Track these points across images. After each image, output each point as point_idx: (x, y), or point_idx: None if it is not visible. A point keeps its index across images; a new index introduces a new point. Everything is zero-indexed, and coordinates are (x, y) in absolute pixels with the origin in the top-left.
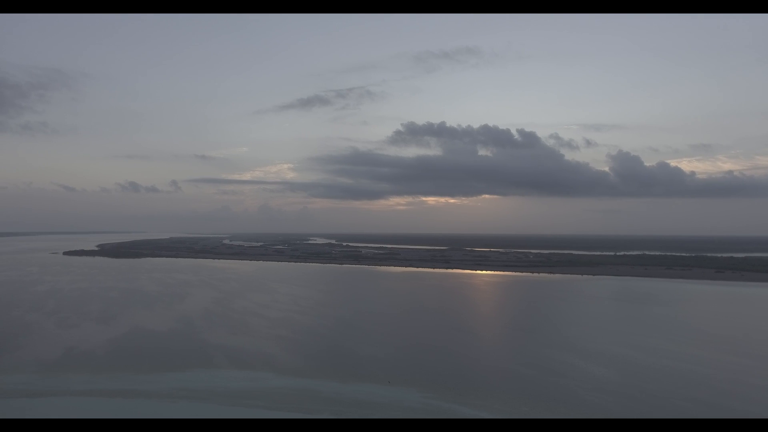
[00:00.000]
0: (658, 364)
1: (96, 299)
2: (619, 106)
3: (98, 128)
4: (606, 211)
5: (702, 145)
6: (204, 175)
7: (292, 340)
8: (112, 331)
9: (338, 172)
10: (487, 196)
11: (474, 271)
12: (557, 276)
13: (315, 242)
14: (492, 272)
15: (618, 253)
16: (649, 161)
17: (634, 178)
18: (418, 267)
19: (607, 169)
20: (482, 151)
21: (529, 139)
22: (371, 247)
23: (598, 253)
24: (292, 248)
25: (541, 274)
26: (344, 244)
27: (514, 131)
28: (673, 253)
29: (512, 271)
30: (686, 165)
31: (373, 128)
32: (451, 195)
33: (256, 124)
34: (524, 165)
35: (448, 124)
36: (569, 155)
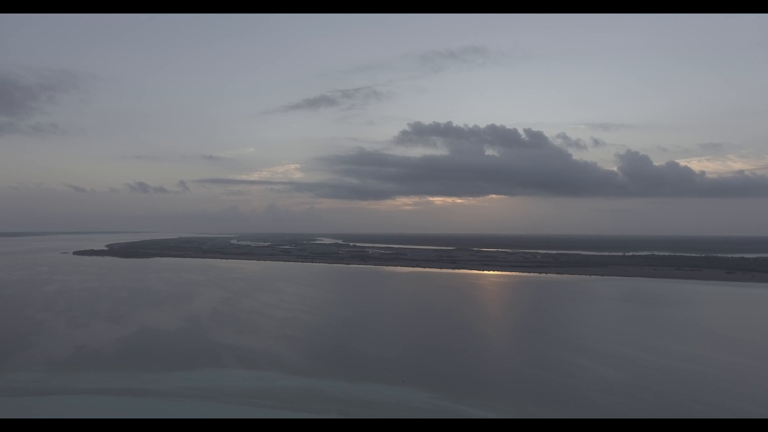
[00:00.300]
0: (667, 366)
1: (105, 298)
2: (627, 105)
3: (107, 129)
4: (614, 211)
5: (712, 145)
6: (211, 176)
7: (300, 339)
8: (121, 330)
9: (345, 172)
10: (494, 196)
11: (481, 272)
12: (565, 276)
13: (322, 242)
14: (499, 273)
15: (627, 254)
16: (658, 161)
17: (642, 178)
18: (425, 267)
19: (615, 168)
20: (489, 151)
21: (537, 138)
22: (378, 247)
23: (607, 253)
24: (299, 248)
25: (549, 275)
26: (351, 244)
27: (521, 131)
28: (683, 254)
29: (520, 272)
30: (696, 164)
31: (379, 128)
32: (458, 195)
33: (263, 125)
34: (531, 165)
35: (454, 124)
36: (577, 155)
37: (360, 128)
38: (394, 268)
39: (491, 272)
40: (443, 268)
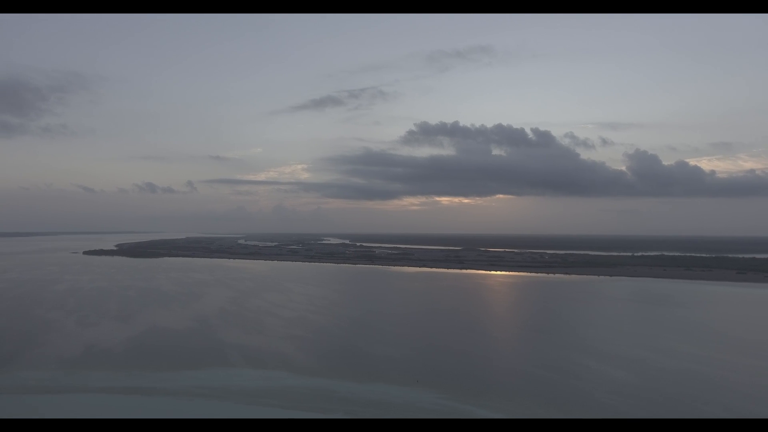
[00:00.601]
0: (677, 367)
1: (115, 298)
2: (636, 104)
3: (115, 130)
4: (623, 211)
5: (722, 144)
6: (219, 176)
7: (307, 339)
8: (130, 329)
9: (351, 172)
10: (501, 196)
11: (488, 272)
12: (573, 277)
13: (329, 242)
14: (506, 273)
15: (636, 254)
16: (667, 160)
17: (651, 178)
18: (431, 267)
19: (624, 168)
20: (496, 151)
21: (544, 138)
22: (385, 247)
23: (615, 253)
24: (306, 248)
25: (557, 275)
26: (358, 244)
27: (528, 130)
28: (693, 254)
29: (527, 272)
30: (706, 164)
31: (386, 128)
32: (465, 195)
33: (269, 125)
34: (539, 164)
35: (461, 124)
36: (585, 154)
37: (366, 128)
38: (401, 268)
39: (498, 272)
40: (450, 268)
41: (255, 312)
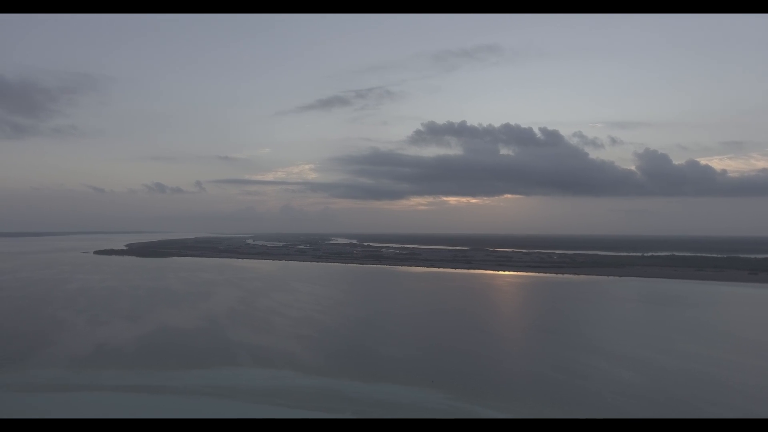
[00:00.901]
0: (688, 369)
1: (125, 297)
2: (645, 103)
3: (125, 130)
4: (632, 210)
5: (734, 143)
6: (227, 176)
7: (314, 339)
8: (140, 328)
9: (359, 172)
10: (509, 195)
11: (496, 272)
12: (582, 277)
13: (336, 242)
14: (515, 273)
15: (645, 254)
16: (677, 159)
17: (662, 177)
18: (439, 267)
19: (633, 167)
20: (504, 151)
21: (552, 137)
22: (392, 247)
23: (625, 253)
24: (314, 248)
25: (566, 275)
26: (365, 244)
27: (536, 130)
28: (704, 254)
29: (536, 272)
30: (717, 163)
31: (393, 128)
32: (473, 195)
33: (277, 125)
34: (547, 164)
35: (468, 123)
36: (594, 154)
37: (373, 128)
38: (409, 268)
39: (507, 272)
40: (458, 268)
41: (263, 311)
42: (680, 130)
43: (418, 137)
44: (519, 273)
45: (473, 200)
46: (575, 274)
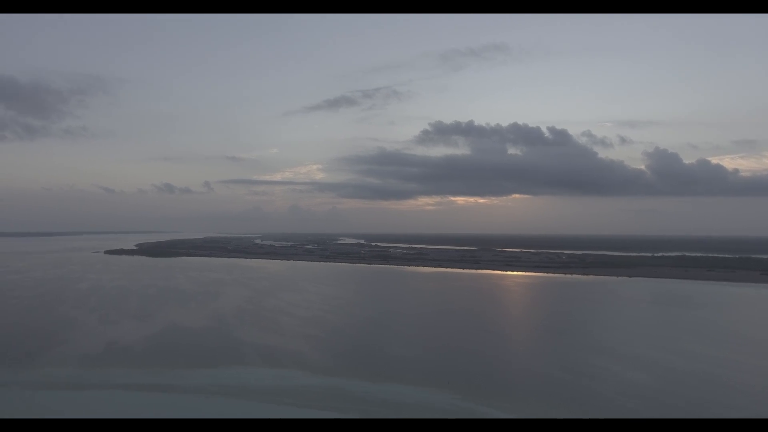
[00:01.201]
0: (698, 370)
1: (135, 296)
2: (655, 102)
3: (134, 131)
4: (642, 210)
5: (746, 141)
6: (235, 176)
7: (322, 339)
8: (149, 327)
9: (366, 172)
10: (517, 195)
11: (504, 272)
12: (591, 278)
13: (344, 242)
14: (523, 273)
15: (656, 254)
16: (688, 158)
17: (672, 177)
18: (447, 267)
19: (643, 167)
20: (512, 150)
21: (561, 137)
22: (400, 247)
23: (635, 254)
24: (321, 248)
25: (575, 276)
26: (373, 244)
27: (544, 129)
28: (715, 255)
29: (544, 272)
30: (729, 162)
31: (400, 128)
32: (481, 195)
33: (284, 126)
34: (556, 164)
35: (476, 123)
36: (603, 153)
37: (381, 128)
38: (416, 268)
39: (515, 273)
40: (466, 268)
41: (271, 311)
42: (691, 128)
43: (426, 137)
44: (527, 273)
45: (481, 200)
46: (584, 274)
